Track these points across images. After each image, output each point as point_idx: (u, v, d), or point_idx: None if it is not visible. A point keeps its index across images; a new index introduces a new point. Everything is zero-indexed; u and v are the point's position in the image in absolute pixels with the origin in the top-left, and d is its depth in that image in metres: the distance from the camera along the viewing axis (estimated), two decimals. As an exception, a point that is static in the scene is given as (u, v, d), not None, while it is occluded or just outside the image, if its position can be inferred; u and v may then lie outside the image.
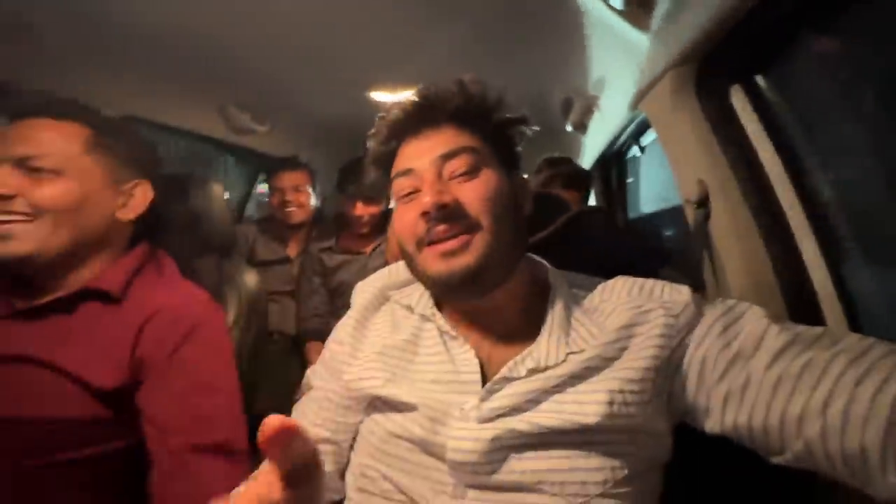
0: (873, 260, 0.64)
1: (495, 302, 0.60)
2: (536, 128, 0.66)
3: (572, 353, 0.56)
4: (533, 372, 0.55)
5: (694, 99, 0.76)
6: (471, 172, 0.58)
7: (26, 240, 0.70)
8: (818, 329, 0.50)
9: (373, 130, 0.65)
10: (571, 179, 1.43)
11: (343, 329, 0.68)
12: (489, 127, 0.62)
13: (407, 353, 0.61)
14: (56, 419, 0.67)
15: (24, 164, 0.70)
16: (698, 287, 0.82)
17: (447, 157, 0.58)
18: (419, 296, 0.66)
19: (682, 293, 0.58)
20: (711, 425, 0.52)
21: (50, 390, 0.68)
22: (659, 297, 0.58)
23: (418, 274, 0.61)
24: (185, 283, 0.84)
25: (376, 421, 0.59)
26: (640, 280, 0.62)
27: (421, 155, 0.59)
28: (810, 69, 0.71)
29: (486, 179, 0.59)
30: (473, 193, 0.57)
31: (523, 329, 0.60)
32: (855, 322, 0.65)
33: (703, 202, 0.80)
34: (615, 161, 1.93)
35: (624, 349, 0.55)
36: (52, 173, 0.72)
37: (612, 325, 0.57)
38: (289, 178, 1.84)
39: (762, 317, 0.53)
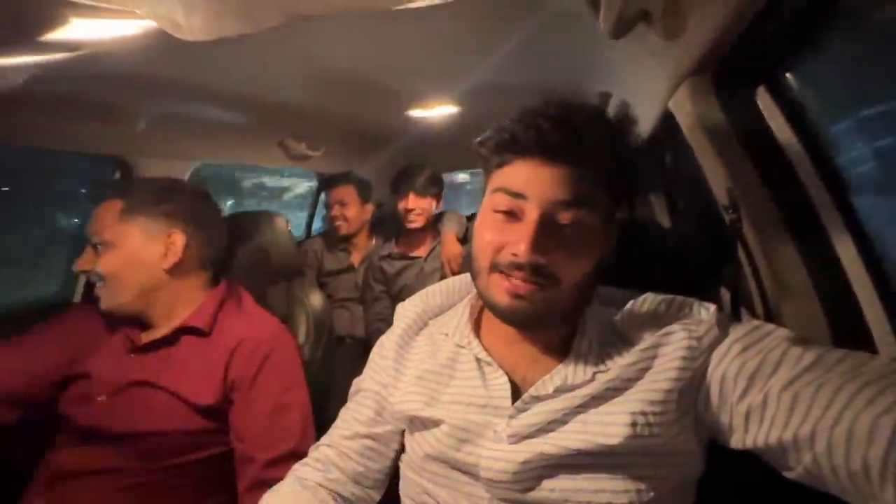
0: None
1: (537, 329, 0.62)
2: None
3: (599, 371, 0.58)
4: (559, 391, 0.58)
5: (715, 106, 0.74)
6: (576, 227, 0.55)
7: (105, 299, 0.90)
8: (840, 352, 0.49)
9: (495, 134, 0.59)
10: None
11: (387, 345, 0.72)
12: (618, 184, 0.58)
13: (444, 377, 0.65)
14: (168, 431, 0.84)
15: (92, 242, 0.93)
16: (739, 297, 0.80)
17: (563, 204, 0.54)
18: (456, 324, 0.69)
19: (708, 312, 0.59)
20: (735, 442, 0.54)
21: (163, 409, 0.85)
22: (685, 317, 0.59)
23: (479, 289, 0.61)
24: (260, 313, 0.98)
25: (417, 440, 0.65)
26: (668, 297, 0.62)
27: (538, 186, 0.55)
28: (844, 59, 0.66)
29: (588, 239, 0.56)
30: (570, 253, 0.55)
31: (558, 348, 0.62)
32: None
33: (735, 208, 0.78)
34: (668, 142, 1.83)
35: (646, 370, 0.57)
36: (104, 246, 0.91)
37: (637, 345, 0.59)
38: (335, 195, 1.99)
39: (785, 338, 0.53)
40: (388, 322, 1.96)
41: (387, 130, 1.78)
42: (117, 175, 1.32)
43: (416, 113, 1.53)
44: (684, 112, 0.81)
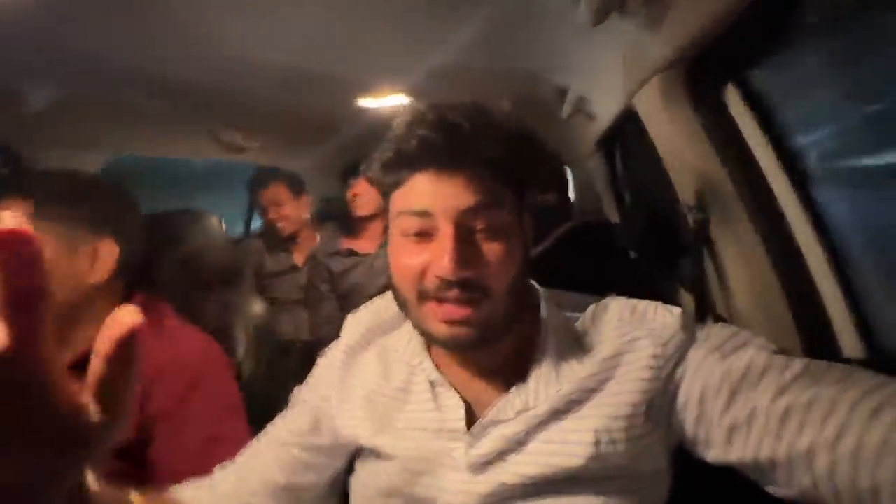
0: (885, 267, 0.61)
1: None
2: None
3: (561, 388, 0.54)
4: (521, 412, 0.54)
5: (685, 103, 0.72)
6: (493, 231, 0.52)
7: None
8: (825, 363, 0.48)
9: (379, 151, 0.55)
10: (549, 181, 1.32)
11: (333, 358, 0.66)
12: (520, 178, 0.56)
13: (396, 402, 0.60)
14: None
15: None
16: (703, 299, 0.79)
17: (473, 210, 0.51)
18: (407, 342, 0.63)
19: (673, 316, 0.56)
20: (714, 457, 0.51)
21: None
22: (651, 322, 0.56)
23: (414, 323, 0.56)
24: (186, 333, 0.84)
25: (369, 475, 0.59)
26: (631, 302, 0.59)
27: (441, 198, 0.51)
28: (812, 57, 0.66)
29: (508, 241, 0.53)
30: (493, 258, 0.51)
31: (515, 362, 0.58)
32: (868, 336, 0.62)
33: (702, 208, 0.76)
34: (619, 142, 1.85)
35: (607, 380, 0.54)
36: None
37: (597, 354, 0.55)
38: (266, 196, 1.85)
39: (765, 348, 0.51)
40: (335, 324, 1.87)
41: (334, 121, 1.65)
42: (3, 169, 1.10)
43: (365, 102, 1.43)
44: (652, 108, 0.79)
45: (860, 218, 0.63)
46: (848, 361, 0.62)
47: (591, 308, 0.61)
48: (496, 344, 0.56)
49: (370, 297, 0.75)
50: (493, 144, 0.52)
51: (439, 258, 0.50)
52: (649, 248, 1.26)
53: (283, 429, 0.63)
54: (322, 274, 1.86)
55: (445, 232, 0.50)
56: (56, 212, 0.74)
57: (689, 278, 0.86)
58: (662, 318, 0.56)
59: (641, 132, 0.98)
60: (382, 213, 0.59)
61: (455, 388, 0.58)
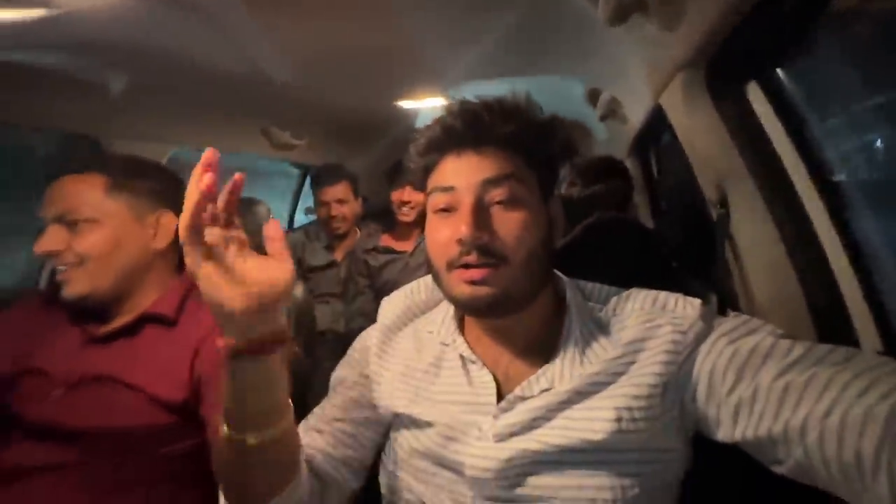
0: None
1: (515, 320, 0.61)
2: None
3: (584, 371, 0.57)
4: (545, 391, 0.57)
5: (707, 100, 0.73)
6: (511, 202, 0.57)
7: (80, 283, 0.82)
8: (829, 346, 0.49)
9: (414, 141, 0.63)
10: (622, 200, 1.30)
11: (371, 338, 0.71)
12: (537, 155, 0.61)
13: (429, 375, 0.64)
14: (132, 427, 0.79)
15: (63, 220, 0.81)
16: (724, 295, 0.80)
17: (491, 182, 0.57)
18: (441, 321, 0.68)
19: (693, 307, 0.58)
20: (723, 436, 0.53)
21: (124, 404, 0.79)
22: (671, 311, 0.58)
23: (444, 290, 0.62)
24: None
25: (402, 436, 0.63)
26: (653, 293, 0.62)
27: (463, 174, 0.58)
28: (835, 57, 0.66)
29: (526, 212, 0.58)
30: (510, 226, 0.56)
31: (541, 343, 0.62)
32: (887, 332, 0.61)
33: (723, 204, 0.77)
34: (653, 144, 1.84)
35: (631, 364, 0.56)
36: (85, 223, 0.82)
37: (621, 339, 0.58)
38: (332, 192, 1.90)
39: (772, 333, 0.52)
40: (368, 317, 1.92)
41: (374, 122, 1.74)
42: (86, 154, 1.26)
43: (405, 104, 1.50)
44: (675, 105, 0.81)
45: (881, 213, 0.63)
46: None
47: (614, 298, 0.64)
48: (517, 312, 0.59)
49: None
50: (506, 124, 0.58)
51: (459, 225, 0.56)
52: (685, 252, 1.25)
53: (332, 407, 0.67)
54: (361, 268, 1.92)
55: (465, 201, 0.57)
56: (126, 185, 0.86)
57: (713, 276, 0.87)
58: (683, 308, 0.58)
59: (674, 134, 0.99)
60: (424, 220, 0.66)
61: (486, 366, 0.62)
